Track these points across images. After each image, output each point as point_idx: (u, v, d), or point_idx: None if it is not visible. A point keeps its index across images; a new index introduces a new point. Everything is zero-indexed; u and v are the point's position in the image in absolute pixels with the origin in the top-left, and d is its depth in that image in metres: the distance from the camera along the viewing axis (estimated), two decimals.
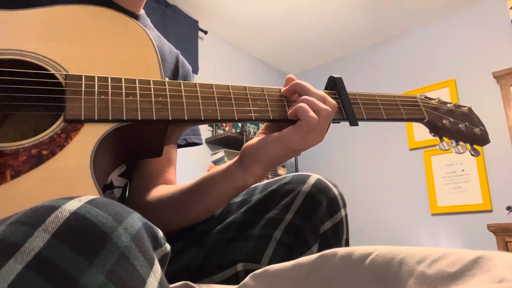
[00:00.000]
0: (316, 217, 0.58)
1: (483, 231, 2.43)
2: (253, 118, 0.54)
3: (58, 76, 0.48)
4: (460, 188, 2.79)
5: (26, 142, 0.42)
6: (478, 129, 0.73)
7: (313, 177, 0.61)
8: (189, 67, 0.84)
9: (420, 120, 0.68)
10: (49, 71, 0.48)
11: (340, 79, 0.62)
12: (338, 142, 3.40)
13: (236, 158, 0.59)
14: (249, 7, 2.96)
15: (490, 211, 2.64)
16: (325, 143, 2.97)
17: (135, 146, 0.54)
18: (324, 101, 0.55)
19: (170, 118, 0.49)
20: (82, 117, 0.45)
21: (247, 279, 0.41)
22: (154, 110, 0.49)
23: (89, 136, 0.45)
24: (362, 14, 3.04)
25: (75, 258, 0.26)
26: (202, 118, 0.51)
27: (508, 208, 2.40)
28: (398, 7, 2.96)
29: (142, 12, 0.77)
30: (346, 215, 0.61)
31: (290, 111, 0.55)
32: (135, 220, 0.31)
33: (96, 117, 0.46)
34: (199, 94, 0.52)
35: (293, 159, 3.42)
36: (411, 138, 3.08)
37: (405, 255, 0.32)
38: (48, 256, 0.25)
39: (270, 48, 3.52)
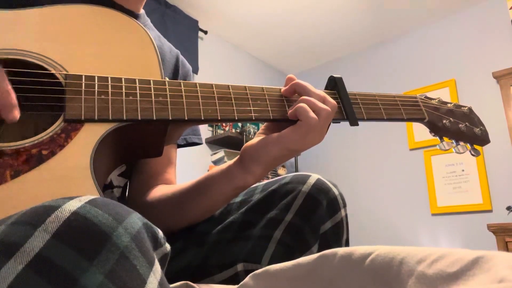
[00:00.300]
0: (316, 217, 0.58)
1: (483, 231, 2.43)
2: (253, 118, 0.54)
3: (58, 76, 0.48)
4: (460, 188, 2.79)
5: (26, 142, 0.42)
6: (478, 129, 0.73)
7: (313, 177, 0.61)
8: (189, 67, 0.84)
9: (420, 120, 0.68)
10: (49, 70, 0.48)
11: (340, 79, 0.62)
12: (338, 142, 3.40)
13: (236, 158, 0.59)
14: (249, 7, 2.96)
15: (490, 211, 2.64)
16: (325, 143, 2.97)
17: (135, 146, 0.54)
18: (324, 101, 0.55)
19: (170, 118, 0.49)
20: (82, 117, 0.45)
21: (247, 279, 0.41)
22: (154, 110, 0.49)
23: (89, 136, 0.45)
24: (362, 14, 3.04)
25: (75, 258, 0.26)
26: (202, 118, 0.51)
27: (508, 208, 2.40)
28: (398, 7, 2.96)
29: (142, 12, 0.77)
30: (346, 215, 0.61)
31: (290, 111, 0.55)
32: (135, 220, 0.31)
33: (96, 117, 0.46)
34: (199, 94, 0.52)
35: (293, 159, 3.42)
36: (411, 138, 3.08)
37: (405, 255, 0.32)
38: (48, 256, 0.25)
39: (270, 48, 3.52)
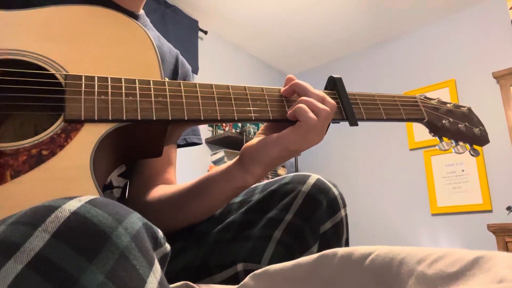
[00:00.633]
0: (316, 217, 0.58)
1: (483, 231, 2.43)
2: (253, 118, 0.54)
3: (58, 76, 0.48)
4: (460, 188, 2.79)
5: (26, 142, 0.42)
6: (478, 129, 0.73)
7: (313, 177, 0.61)
8: (188, 67, 0.84)
9: (419, 120, 0.68)
10: (49, 71, 0.48)
11: (340, 79, 0.62)
12: (338, 142, 3.40)
13: (235, 158, 0.59)
14: (249, 7, 2.96)
15: (490, 211, 2.64)
16: (325, 143, 2.97)
17: (135, 146, 0.54)
18: (323, 101, 0.55)
19: (170, 118, 0.49)
20: (82, 117, 0.45)
21: (247, 279, 0.41)
22: (154, 110, 0.49)
23: (89, 136, 0.45)
24: (362, 14, 3.04)
25: (75, 258, 0.26)
26: (202, 118, 0.51)
27: (508, 208, 2.40)
28: (398, 7, 2.96)
29: (142, 12, 0.77)
30: (346, 215, 0.61)
31: (289, 111, 0.55)
32: (135, 220, 0.31)
33: (96, 117, 0.46)
34: (199, 94, 0.52)
35: (293, 159, 3.42)
36: (411, 138, 3.08)
37: (405, 255, 0.32)
38: (48, 256, 0.25)
39: (270, 48, 3.52)
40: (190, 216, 0.63)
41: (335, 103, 0.57)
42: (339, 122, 0.61)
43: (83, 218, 0.28)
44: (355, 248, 0.36)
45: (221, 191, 0.59)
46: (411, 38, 3.25)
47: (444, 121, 0.70)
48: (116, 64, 0.53)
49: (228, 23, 3.16)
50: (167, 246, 0.35)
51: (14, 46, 0.49)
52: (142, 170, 0.71)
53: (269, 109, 0.56)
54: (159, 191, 0.67)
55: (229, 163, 0.59)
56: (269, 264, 0.49)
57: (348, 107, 0.60)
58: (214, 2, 2.90)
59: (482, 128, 0.74)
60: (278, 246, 0.57)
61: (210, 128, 3.06)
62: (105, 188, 0.67)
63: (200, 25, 3.05)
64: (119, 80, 0.49)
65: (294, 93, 0.58)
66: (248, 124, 3.09)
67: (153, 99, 0.49)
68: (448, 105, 0.74)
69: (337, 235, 0.59)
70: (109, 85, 0.48)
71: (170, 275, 0.48)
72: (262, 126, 0.62)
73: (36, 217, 0.27)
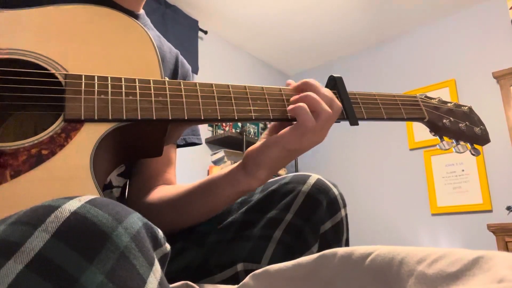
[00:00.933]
0: (316, 217, 0.58)
1: (483, 231, 2.43)
2: (253, 118, 0.54)
3: (58, 75, 0.48)
4: (460, 188, 2.79)
5: (26, 142, 0.42)
6: (479, 128, 0.73)
7: (313, 177, 0.61)
8: (188, 67, 0.84)
9: (420, 119, 0.68)
10: (49, 70, 0.48)
11: (340, 78, 0.62)
12: (338, 142, 3.40)
13: (239, 162, 0.58)
14: (249, 7, 2.96)
15: (490, 211, 2.64)
16: (325, 143, 2.96)
17: (135, 146, 0.54)
18: (330, 103, 0.54)
19: (170, 118, 0.49)
20: (82, 117, 0.45)
21: (247, 279, 0.41)
22: (154, 109, 0.49)
23: (89, 136, 0.45)
24: (362, 14, 3.04)
25: (75, 257, 0.26)
26: (202, 118, 0.51)
27: (508, 208, 2.40)
28: (398, 7, 2.96)
29: (142, 11, 0.77)
30: (346, 215, 0.61)
31: (289, 107, 0.54)
32: (135, 220, 0.31)
33: (96, 117, 0.46)
34: (199, 93, 0.52)
35: None
36: (411, 138, 3.08)
37: (405, 255, 0.32)
38: (48, 256, 0.25)
39: (270, 48, 3.52)
40: (192, 217, 0.63)
41: (341, 106, 0.56)
42: (339, 122, 0.61)
43: (83, 218, 0.28)
44: (355, 248, 0.36)
45: (224, 194, 0.58)
46: (411, 38, 3.25)
47: (444, 121, 0.70)
48: (116, 63, 0.53)
49: (228, 23, 3.16)
50: (167, 246, 0.35)
51: (14, 45, 0.49)
52: (142, 170, 0.71)
53: (269, 108, 0.56)
54: (160, 192, 0.67)
55: (231, 167, 0.59)
56: (269, 264, 0.49)
57: (348, 107, 0.60)
58: (214, 2, 2.90)
59: (483, 128, 0.74)
60: (278, 246, 0.57)
61: (210, 128, 3.06)
62: (105, 187, 0.67)
63: (200, 25, 3.05)
64: (119, 79, 0.49)
65: (302, 91, 0.56)
66: (248, 124, 3.09)
67: (153, 98, 0.49)
68: (449, 104, 0.74)
69: (337, 235, 0.59)
70: (109, 85, 0.48)
71: (170, 275, 0.48)
72: (266, 130, 0.61)
73: (36, 217, 0.27)
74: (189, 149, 0.88)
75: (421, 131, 2.99)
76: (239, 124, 3.10)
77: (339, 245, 0.59)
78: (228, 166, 0.60)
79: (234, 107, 0.54)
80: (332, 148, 3.45)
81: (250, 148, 0.57)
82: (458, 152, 0.71)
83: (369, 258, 0.34)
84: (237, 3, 2.91)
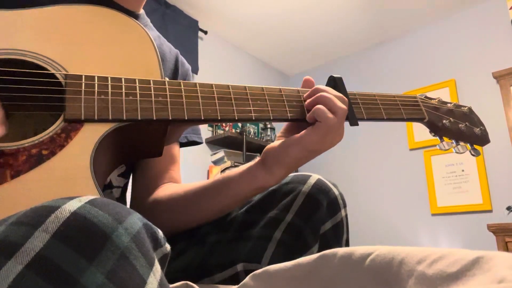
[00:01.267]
0: (317, 218, 0.58)
1: (483, 231, 2.43)
2: (253, 118, 0.54)
3: (58, 76, 0.48)
4: (460, 188, 2.79)
5: (26, 142, 0.42)
6: (478, 129, 0.73)
7: (314, 177, 0.61)
8: (188, 67, 0.84)
9: (420, 120, 0.68)
10: (49, 71, 0.48)
11: (340, 78, 0.62)
12: (338, 142, 3.40)
13: (256, 160, 0.59)
14: (249, 7, 2.96)
15: (490, 211, 2.64)
16: None
17: (135, 146, 0.54)
18: (342, 100, 0.56)
19: (170, 118, 0.49)
20: (82, 117, 0.45)
21: (247, 279, 0.41)
22: (154, 110, 0.49)
23: (89, 136, 0.45)
24: (362, 14, 3.04)
25: (75, 258, 0.26)
26: (202, 118, 0.51)
27: (508, 208, 2.40)
28: (398, 7, 2.96)
29: (142, 12, 0.77)
30: (346, 215, 0.61)
31: (308, 115, 0.56)
32: (135, 220, 0.31)
33: (96, 117, 0.46)
34: (199, 94, 0.52)
35: None
36: (411, 138, 3.08)
37: (405, 255, 0.32)
38: (48, 256, 0.25)
39: (270, 48, 3.52)
40: (206, 214, 0.62)
41: (347, 102, 0.57)
42: None
43: (83, 218, 0.28)
44: (355, 248, 0.36)
45: (240, 190, 0.59)
46: (411, 38, 3.25)
47: (444, 121, 0.70)
48: (116, 63, 0.53)
49: (228, 23, 3.16)
50: (167, 246, 0.35)
51: (14, 46, 0.49)
52: (147, 169, 0.71)
53: (269, 109, 0.56)
54: (169, 189, 0.67)
55: (249, 164, 0.59)
56: (269, 264, 0.49)
57: (348, 107, 0.60)
58: (214, 2, 2.90)
59: (483, 128, 0.74)
60: (278, 246, 0.57)
61: (210, 128, 3.06)
62: (105, 188, 0.67)
63: (200, 25, 3.05)
64: (119, 79, 0.49)
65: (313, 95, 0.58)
66: (248, 124, 3.09)
67: (153, 98, 0.49)
68: (449, 105, 0.74)
69: (337, 235, 0.59)
70: (109, 85, 0.48)
71: (170, 275, 0.48)
72: (281, 129, 0.62)
73: (36, 217, 0.27)
74: (189, 149, 0.89)
75: (421, 131, 2.99)
76: (239, 124, 3.10)
77: (339, 245, 0.59)
78: (245, 164, 0.60)
79: (234, 107, 0.54)
80: (332, 148, 3.44)
81: (269, 146, 0.58)
82: (458, 153, 0.71)
83: (369, 258, 0.34)
84: (237, 3, 2.91)
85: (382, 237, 3.01)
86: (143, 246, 0.30)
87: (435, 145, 0.89)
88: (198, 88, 0.53)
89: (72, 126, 0.45)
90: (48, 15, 0.53)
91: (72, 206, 0.28)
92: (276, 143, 0.57)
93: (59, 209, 0.28)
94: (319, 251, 0.47)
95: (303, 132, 0.54)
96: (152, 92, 0.50)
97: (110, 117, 0.46)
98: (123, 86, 0.49)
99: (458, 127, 0.71)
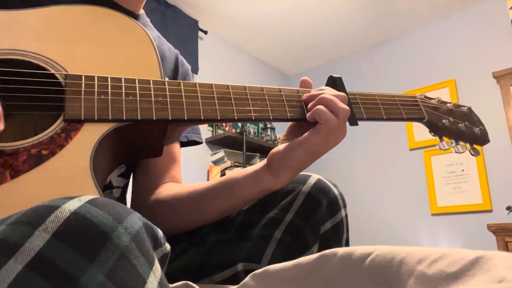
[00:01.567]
0: (316, 217, 0.58)
1: (483, 231, 2.43)
2: (253, 118, 0.54)
3: (58, 76, 0.48)
4: (460, 188, 2.79)
5: (26, 142, 0.42)
6: (478, 128, 0.73)
7: (314, 177, 0.61)
8: (188, 66, 0.84)
9: (420, 119, 0.68)
10: (49, 71, 0.48)
11: (340, 78, 0.62)
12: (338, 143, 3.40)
13: (262, 163, 0.59)
14: (249, 7, 2.96)
15: (490, 211, 2.64)
16: None
17: (135, 146, 0.54)
18: (342, 100, 0.56)
19: (170, 118, 0.49)
20: (82, 117, 0.45)
21: (247, 279, 0.41)
22: (154, 110, 0.49)
23: (89, 136, 0.45)
24: (362, 14, 3.04)
25: (75, 257, 0.26)
26: (202, 118, 0.51)
27: (508, 208, 2.40)
28: (398, 7, 2.96)
29: (142, 12, 0.77)
30: (346, 215, 0.61)
31: (308, 114, 0.56)
32: (135, 220, 0.31)
33: (96, 117, 0.46)
34: (199, 94, 0.52)
35: None
36: (411, 138, 3.08)
37: (405, 255, 0.32)
38: (48, 256, 0.25)
39: (270, 48, 3.52)
40: (209, 216, 0.62)
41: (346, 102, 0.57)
42: None
43: (83, 218, 0.28)
44: (355, 248, 0.36)
45: (246, 193, 0.59)
46: (411, 38, 3.25)
47: (444, 121, 0.70)
48: (116, 64, 0.53)
49: (228, 23, 3.16)
50: (167, 246, 0.35)
51: (14, 46, 0.49)
52: (147, 169, 0.71)
53: (269, 109, 0.56)
54: (172, 190, 0.67)
55: (254, 167, 0.59)
56: (269, 264, 0.49)
57: (348, 107, 0.60)
58: (214, 2, 2.90)
59: (482, 128, 0.74)
60: (278, 246, 0.57)
61: (210, 128, 3.06)
62: (105, 188, 0.67)
63: (200, 25, 3.05)
64: (119, 79, 0.49)
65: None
66: (248, 124, 3.09)
67: (153, 99, 0.49)
68: (448, 104, 0.74)
69: (337, 235, 0.59)
70: (109, 85, 0.48)
71: (170, 275, 0.48)
72: (284, 131, 0.62)
73: (36, 217, 0.27)
74: (189, 149, 0.89)
75: (421, 131, 2.99)
76: (239, 124, 3.10)
77: (339, 245, 0.59)
78: (250, 166, 0.60)
79: (234, 107, 0.54)
80: (333, 148, 3.44)
81: (274, 150, 0.58)
82: (457, 152, 0.71)
83: (369, 258, 0.34)
84: (237, 3, 2.91)
85: (382, 237, 3.00)
86: (143, 245, 0.30)
87: (435, 145, 0.89)
88: (198, 88, 0.53)
89: (72, 126, 0.45)
90: (48, 15, 0.53)
91: (72, 205, 0.28)
92: (281, 146, 0.57)
93: (59, 209, 0.28)
94: (319, 251, 0.47)
95: (305, 134, 0.54)
96: (152, 92, 0.50)
97: (110, 117, 0.46)
98: (123, 86, 0.49)
99: (458, 126, 0.71)
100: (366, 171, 3.26)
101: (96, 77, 0.48)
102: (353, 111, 0.60)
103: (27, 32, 0.51)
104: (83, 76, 0.48)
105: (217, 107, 0.53)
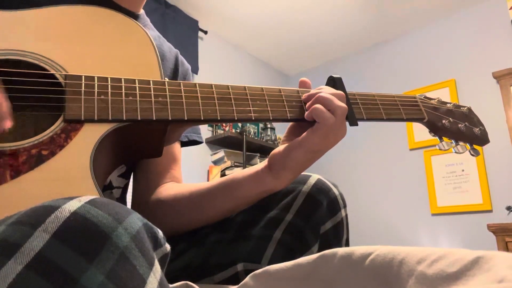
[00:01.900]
0: (317, 217, 0.58)
1: (483, 231, 2.43)
2: (253, 118, 0.54)
3: (58, 76, 0.48)
4: (460, 188, 2.79)
5: (26, 142, 0.42)
6: (478, 129, 0.73)
7: (314, 177, 0.61)
8: (188, 66, 0.84)
9: (419, 120, 0.68)
10: (49, 71, 0.48)
11: (339, 79, 0.62)
12: (339, 143, 3.40)
13: (263, 164, 0.59)
14: (249, 7, 2.96)
15: (490, 211, 2.64)
16: None
17: (135, 146, 0.54)
18: (340, 98, 0.56)
19: (170, 118, 0.49)
20: (82, 117, 0.45)
21: (247, 279, 0.41)
22: (153, 110, 0.49)
23: (89, 136, 0.45)
24: (362, 14, 3.04)
25: (75, 258, 0.26)
26: (202, 118, 0.51)
27: (508, 208, 2.40)
28: (398, 7, 2.96)
29: (142, 12, 0.77)
30: (346, 215, 0.61)
31: (306, 113, 0.56)
32: (135, 220, 0.31)
33: (95, 117, 0.46)
34: (198, 94, 0.52)
35: None
36: (411, 138, 3.08)
37: (405, 255, 0.32)
38: (48, 256, 0.25)
39: (270, 48, 3.52)
40: (210, 216, 0.62)
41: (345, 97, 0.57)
42: None
43: (83, 218, 0.28)
44: (355, 248, 0.36)
45: (247, 193, 0.59)
46: (411, 38, 3.25)
47: (444, 121, 0.70)
48: (116, 64, 0.53)
49: (228, 23, 3.16)
50: (167, 246, 0.35)
51: (14, 46, 0.49)
52: (148, 169, 0.71)
53: (269, 109, 0.56)
54: (172, 190, 0.67)
55: (255, 168, 0.59)
56: (269, 264, 0.49)
57: (348, 107, 0.60)
58: (214, 2, 2.90)
59: (482, 128, 0.74)
60: (278, 246, 0.57)
61: (210, 128, 3.06)
62: (105, 188, 0.67)
63: (200, 25, 3.05)
64: (119, 80, 0.49)
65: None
66: (248, 124, 3.09)
67: (153, 99, 0.49)
68: (448, 105, 0.74)
69: (338, 235, 0.59)
70: (109, 85, 0.48)
71: (170, 275, 0.48)
72: (285, 132, 0.62)
73: (36, 217, 0.27)
74: (189, 149, 0.89)
75: (421, 131, 2.99)
76: (239, 124, 3.10)
77: (339, 245, 0.59)
78: (251, 167, 0.60)
79: (234, 108, 0.54)
80: (332, 148, 3.43)
81: (275, 151, 0.58)
82: (457, 153, 0.71)
83: (369, 258, 0.34)
84: (237, 3, 2.91)
85: (382, 237, 3.00)
86: (143, 246, 0.30)
87: (435, 145, 0.89)
88: (197, 88, 0.53)
89: (72, 127, 0.45)
90: (48, 15, 0.53)
91: (72, 206, 0.28)
92: (281, 147, 0.57)
93: (59, 209, 0.28)
94: (319, 251, 0.47)
95: (304, 134, 0.54)
96: (152, 92, 0.50)
97: (110, 118, 0.46)
98: (123, 86, 0.49)
99: (458, 127, 0.71)
100: (366, 171, 3.26)
101: (96, 78, 0.48)
102: (353, 111, 0.60)
103: (26, 32, 0.51)
104: (83, 77, 0.48)
105: (217, 107, 0.53)
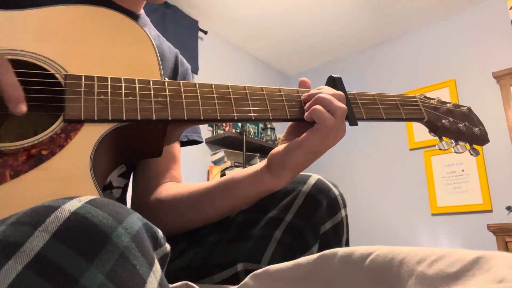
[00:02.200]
0: (317, 217, 0.58)
1: (483, 231, 2.43)
2: (253, 118, 0.54)
3: (57, 76, 0.48)
4: (460, 188, 2.79)
5: (26, 142, 0.42)
6: (478, 128, 0.73)
7: (314, 177, 0.61)
8: (188, 66, 0.84)
9: (419, 120, 0.68)
10: (48, 71, 0.48)
11: (339, 79, 0.62)
12: (338, 142, 3.39)
13: (262, 163, 0.59)
14: (249, 7, 2.96)
15: (490, 211, 2.64)
16: None
17: (134, 146, 0.54)
18: (339, 98, 0.56)
19: (169, 118, 0.49)
20: (82, 117, 0.45)
21: (247, 279, 0.41)
22: (153, 110, 0.49)
23: (89, 136, 0.45)
24: (362, 14, 3.04)
25: (75, 258, 0.26)
26: (202, 118, 0.51)
27: (508, 208, 2.40)
28: (398, 7, 2.96)
29: (142, 12, 0.77)
30: (346, 215, 0.61)
31: (306, 114, 0.56)
32: (135, 220, 0.31)
33: (95, 117, 0.46)
34: (198, 94, 0.52)
35: None
36: (411, 138, 3.08)
37: (405, 255, 0.32)
38: (48, 256, 0.25)
39: (270, 48, 3.52)
40: (210, 216, 0.62)
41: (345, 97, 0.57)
42: None
43: (83, 218, 0.28)
44: (355, 248, 0.36)
45: (246, 193, 0.58)
46: (411, 38, 3.25)
47: (444, 121, 0.70)
48: (115, 64, 0.53)
49: (228, 23, 3.16)
50: (167, 246, 0.35)
51: (13, 46, 0.49)
52: (148, 168, 0.71)
53: (268, 109, 0.56)
54: (172, 189, 0.67)
55: (255, 167, 0.59)
56: (269, 264, 0.49)
57: (348, 107, 0.60)
58: (214, 2, 2.90)
59: (482, 128, 0.74)
60: (278, 246, 0.57)
61: (210, 128, 3.06)
62: (105, 188, 0.67)
63: (200, 25, 3.05)
64: (119, 80, 0.49)
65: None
66: (248, 124, 3.09)
67: (152, 99, 0.49)
68: (448, 104, 0.74)
69: (338, 235, 0.59)
70: (109, 85, 0.48)
71: (170, 275, 0.48)
72: (284, 132, 0.62)
73: (36, 217, 0.27)
74: (189, 149, 0.89)
75: (421, 131, 2.99)
76: (239, 124, 3.10)
77: (339, 245, 0.59)
78: (250, 167, 0.60)
79: (234, 108, 0.54)
80: (332, 148, 3.43)
81: (274, 151, 0.58)
82: (457, 152, 0.71)
83: (369, 258, 0.34)
84: (237, 3, 2.91)
85: (382, 237, 3.01)
86: (143, 246, 0.30)
87: (435, 145, 0.89)
88: (197, 88, 0.53)
89: (72, 126, 0.45)
90: (48, 15, 0.53)
91: (72, 206, 0.28)
92: (280, 147, 0.57)
93: (59, 209, 0.28)
94: (319, 251, 0.47)
95: (304, 135, 0.54)
96: (152, 92, 0.50)
97: (110, 117, 0.46)
98: (123, 86, 0.49)
99: (458, 127, 0.71)
100: (366, 171, 3.26)
101: (96, 77, 0.48)
102: (352, 111, 0.60)
103: (26, 32, 0.51)
104: (83, 76, 0.48)
105: (217, 107, 0.53)
